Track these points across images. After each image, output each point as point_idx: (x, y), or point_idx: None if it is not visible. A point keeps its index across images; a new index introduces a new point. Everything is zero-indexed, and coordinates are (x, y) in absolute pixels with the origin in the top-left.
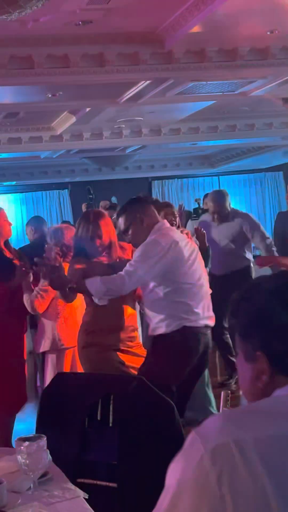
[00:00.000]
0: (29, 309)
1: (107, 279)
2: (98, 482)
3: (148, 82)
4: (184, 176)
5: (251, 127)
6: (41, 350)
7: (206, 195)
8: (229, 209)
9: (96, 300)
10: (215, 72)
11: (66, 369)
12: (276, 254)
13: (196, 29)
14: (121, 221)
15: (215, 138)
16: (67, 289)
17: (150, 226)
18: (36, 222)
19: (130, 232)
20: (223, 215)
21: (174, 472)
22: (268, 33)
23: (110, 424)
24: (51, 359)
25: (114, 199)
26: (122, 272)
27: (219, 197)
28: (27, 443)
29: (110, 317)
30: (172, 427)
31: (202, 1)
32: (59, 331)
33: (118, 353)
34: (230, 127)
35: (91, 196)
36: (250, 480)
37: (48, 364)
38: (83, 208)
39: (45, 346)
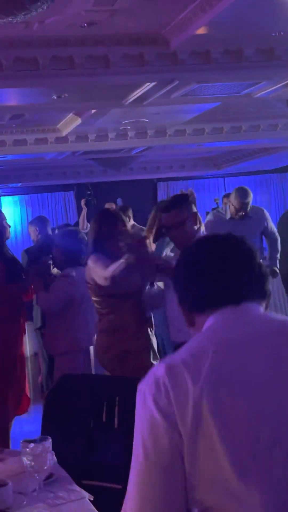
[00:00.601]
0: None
1: None
2: (103, 484)
3: (153, 83)
4: (189, 177)
5: (256, 129)
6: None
7: (227, 194)
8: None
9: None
10: (220, 73)
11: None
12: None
13: (201, 30)
14: (175, 213)
15: (220, 140)
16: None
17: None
18: (39, 222)
19: (187, 226)
20: (246, 211)
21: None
22: (273, 34)
23: (116, 426)
24: (66, 360)
25: (119, 201)
26: None
27: (244, 193)
28: (32, 444)
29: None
30: None
31: (208, 2)
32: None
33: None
34: (235, 128)
35: (89, 192)
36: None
37: (61, 366)
38: (82, 204)
39: (63, 346)
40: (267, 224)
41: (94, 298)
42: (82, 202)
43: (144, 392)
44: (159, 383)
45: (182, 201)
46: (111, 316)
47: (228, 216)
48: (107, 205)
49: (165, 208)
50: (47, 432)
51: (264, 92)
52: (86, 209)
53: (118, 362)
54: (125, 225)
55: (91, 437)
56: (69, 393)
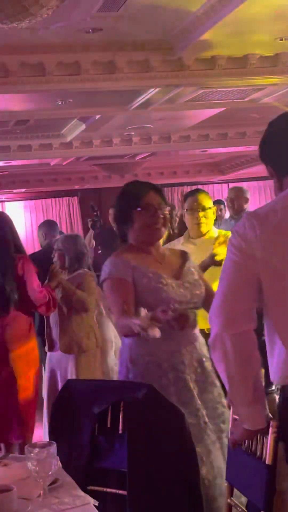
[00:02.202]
0: None
1: None
2: (108, 490)
3: (158, 89)
4: (194, 183)
5: (261, 134)
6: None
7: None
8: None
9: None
10: (225, 79)
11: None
12: None
13: (206, 36)
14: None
15: (224, 145)
16: None
17: None
18: (46, 226)
19: None
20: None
21: None
22: (277, 40)
23: (120, 431)
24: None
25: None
26: None
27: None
28: (37, 449)
29: None
30: (182, 435)
31: (212, 9)
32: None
33: None
34: (240, 134)
35: (95, 213)
36: None
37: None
38: (89, 225)
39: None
40: None
41: None
42: (89, 223)
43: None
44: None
45: None
46: None
47: (227, 215)
48: (111, 211)
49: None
50: (52, 437)
51: (268, 97)
52: (92, 231)
53: None
54: None
55: (95, 443)
56: (74, 399)
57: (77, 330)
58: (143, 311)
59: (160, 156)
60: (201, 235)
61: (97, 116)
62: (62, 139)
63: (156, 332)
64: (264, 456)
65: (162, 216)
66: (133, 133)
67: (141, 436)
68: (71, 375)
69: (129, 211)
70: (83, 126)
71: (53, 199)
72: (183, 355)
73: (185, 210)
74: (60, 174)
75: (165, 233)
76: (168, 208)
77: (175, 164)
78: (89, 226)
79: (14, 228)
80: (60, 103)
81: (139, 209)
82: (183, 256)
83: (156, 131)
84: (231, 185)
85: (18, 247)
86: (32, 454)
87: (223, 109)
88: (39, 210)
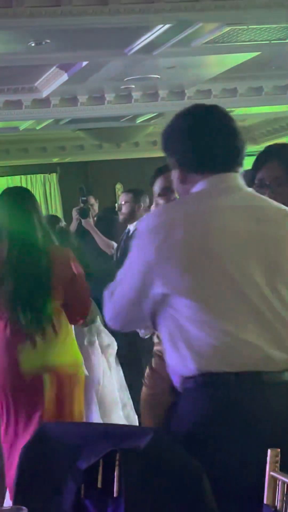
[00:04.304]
0: None
1: None
2: None
3: (167, 26)
4: None
5: None
6: None
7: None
8: None
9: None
10: (259, 12)
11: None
12: None
13: None
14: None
15: (259, 104)
16: None
17: None
18: None
19: None
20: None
21: None
22: None
23: (115, 494)
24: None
25: (119, 187)
26: None
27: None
28: None
29: None
30: (200, 501)
31: None
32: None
33: None
34: (279, 88)
35: (84, 198)
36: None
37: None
38: (74, 214)
39: None
40: None
41: None
42: (74, 212)
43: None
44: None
45: None
46: None
47: None
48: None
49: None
50: (21, 499)
51: None
52: (78, 220)
53: None
54: None
55: (81, 508)
56: (52, 448)
57: None
58: None
59: (170, 118)
60: None
61: (84, 63)
62: (36, 94)
63: None
64: None
65: None
66: (133, 86)
67: (143, 501)
68: None
69: None
70: (65, 77)
71: (23, 176)
72: None
73: None
74: (32, 143)
75: None
76: None
77: None
78: (77, 215)
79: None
80: (33, 44)
81: None
82: None
83: (164, 84)
84: None
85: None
86: None
87: (256, 53)
88: None
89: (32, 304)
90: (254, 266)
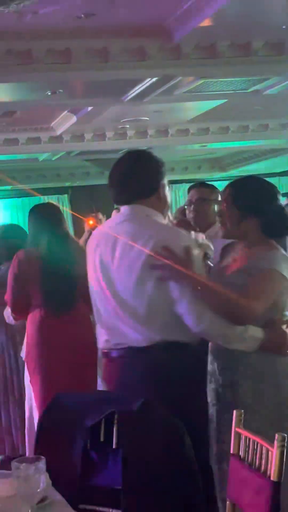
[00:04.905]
0: None
1: None
2: (101, 509)
3: (155, 79)
4: (192, 180)
5: (265, 128)
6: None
7: None
8: None
9: None
10: (226, 68)
11: None
12: None
13: (206, 22)
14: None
15: (226, 140)
16: None
17: None
18: None
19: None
20: None
21: None
22: (283, 27)
23: (114, 446)
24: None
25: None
26: None
27: None
28: (24, 465)
29: None
30: (181, 450)
31: None
32: None
33: None
34: (243, 127)
35: (93, 214)
36: None
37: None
38: (86, 228)
39: None
40: None
41: None
42: (86, 226)
43: None
44: None
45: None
46: None
47: None
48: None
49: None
50: (41, 452)
51: (273, 88)
52: (90, 232)
53: None
54: None
55: (87, 458)
56: (65, 411)
57: None
58: None
59: (157, 151)
60: None
61: (89, 108)
62: (52, 133)
63: None
64: (268, 472)
65: None
66: (127, 126)
67: (136, 451)
68: None
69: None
70: (74, 119)
71: (41, 197)
72: None
73: None
74: (49, 170)
75: None
76: None
77: (172, 160)
78: (87, 229)
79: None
80: (49, 93)
81: None
82: None
83: (152, 124)
84: None
85: None
86: (18, 470)
87: (224, 100)
88: (26, 208)
89: (62, 297)
90: None
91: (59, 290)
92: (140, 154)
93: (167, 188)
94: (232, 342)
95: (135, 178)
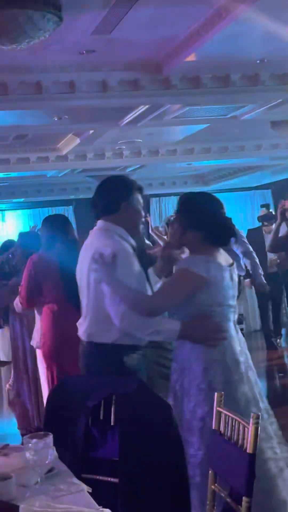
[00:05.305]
0: None
1: None
2: (101, 478)
3: (147, 106)
4: (180, 193)
5: (242, 149)
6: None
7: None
8: None
9: None
10: (208, 97)
11: None
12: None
13: (191, 57)
14: None
15: (208, 159)
16: None
17: None
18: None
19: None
20: None
21: None
22: (258, 61)
23: (112, 424)
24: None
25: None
26: None
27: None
28: (35, 440)
29: None
30: (169, 427)
31: (197, 32)
32: None
33: None
34: (222, 148)
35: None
36: None
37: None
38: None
39: None
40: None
41: None
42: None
43: None
44: None
45: None
46: None
47: None
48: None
49: None
50: (49, 428)
51: (249, 114)
52: None
53: None
54: None
55: (89, 434)
56: (70, 393)
57: None
58: None
59: (149, 168)
60: None
61: (91, 131)
62: (58, 153)
63: None
64: (245, 446)
65: None
66: (124, 147)
67: (131, 428)
68: None
69: None
70: (78, 141)
71: (49, 208)
72: None
73: None
74: (56, 185)
75: None
76: None
77: (162, 176)
78: None
79: None
80: (56, 119)
81: None
82: None
83: (145, 145)
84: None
85: None
86: (30, 444)
87: (206, 125)
88: (37, 218)
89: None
90: None
91: (74, 289)
92: (109, 179)
93: (134, 206)
94: (148, 334)
95: (100, 198)
